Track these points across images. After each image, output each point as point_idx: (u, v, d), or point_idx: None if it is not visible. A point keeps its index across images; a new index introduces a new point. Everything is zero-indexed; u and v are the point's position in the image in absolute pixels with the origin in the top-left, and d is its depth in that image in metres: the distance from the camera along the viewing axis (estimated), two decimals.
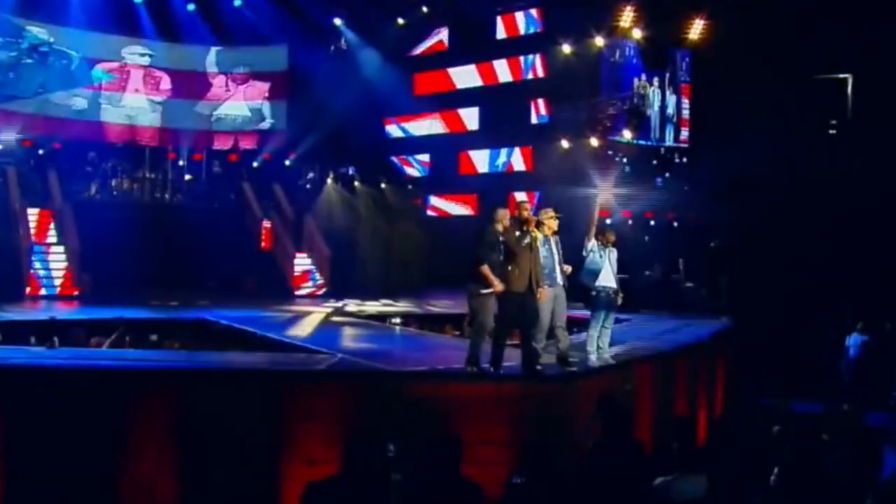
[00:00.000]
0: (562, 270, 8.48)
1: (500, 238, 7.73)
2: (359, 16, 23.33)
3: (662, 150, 21.69)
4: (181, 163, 22.41)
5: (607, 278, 8.90)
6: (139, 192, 20.13)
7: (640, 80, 20.48)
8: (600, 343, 8.91)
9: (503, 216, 7.84)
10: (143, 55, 22.29)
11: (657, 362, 9.66)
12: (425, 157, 25.21)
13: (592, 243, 8.95)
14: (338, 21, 23.26)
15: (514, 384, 7.73)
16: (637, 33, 19.35)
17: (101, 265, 16.12)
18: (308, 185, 22.68)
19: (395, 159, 25.25)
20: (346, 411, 7.21)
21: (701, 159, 20.74)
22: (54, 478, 6.75)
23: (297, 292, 18.18)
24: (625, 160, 21.16)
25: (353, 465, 4.88)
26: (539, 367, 8.21)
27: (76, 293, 15.72)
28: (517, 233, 7.94)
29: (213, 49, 23.17)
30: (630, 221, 20.90)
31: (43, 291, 15.50)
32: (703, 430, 11.34)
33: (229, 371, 7.48)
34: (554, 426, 7.58)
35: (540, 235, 8.36)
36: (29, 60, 20.79)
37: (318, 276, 18.73)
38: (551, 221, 8.51)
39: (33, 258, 15.77)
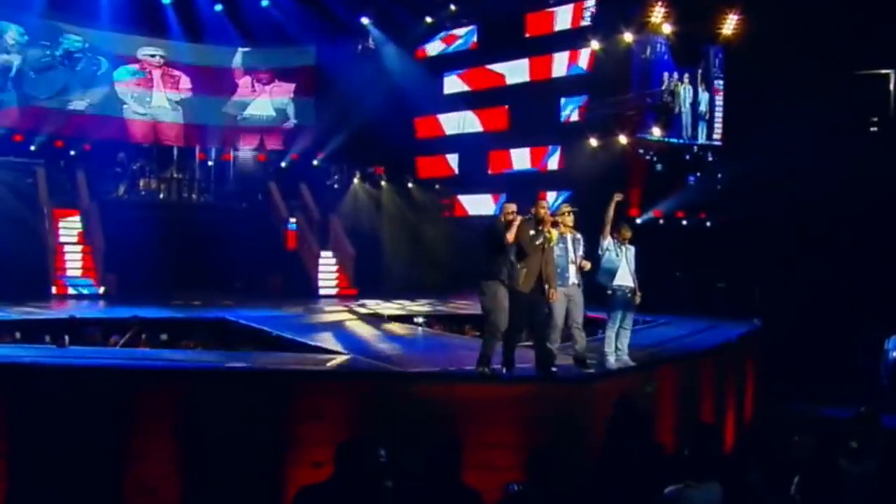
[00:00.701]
0: (577, 269, 8.23)
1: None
2: (386, 15, 23.21)
3: (695, 148, 21.24)
4: (210, 163, 22.52)
5: (624, 277, 8.62)
6: (167, 193, 20.18)
7: (670, 76, 20.08)
8: (619, 344, 8.62)
9: (507, 209, 7.61)
10: (154, 55, 22.31)
11: (681, 365, 9.35)
12: (454, 157, 25.06)
13: (608, 241, 8.67)
14: (365, 20, 23.15)
15: (526, 386, 7.50)
16: (667, 28, 18.91)
17: (127, 265, 16.21)
18: (336, 185, 22.62)
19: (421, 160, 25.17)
20: (353, 413, 7.04)
21: (734, 158, 20.26)
22: (57, 477, 6.67)
23: (322, 292, 18.09)
24: (655, 158, 20.78)
25: (344, 470, 4.70)
26: (554, 369, 7.97)
27: (101, 292, 15.75)
28: (531, 232, 7.71)
29: (240, 49, 23.17)
30: (661, 221, 20.52)
31: (69, 290, 15.57)
32: (731, 436, 11.02)
33: (233, 371, 7.34)
34: (568, 430, 7.31)
35: (556, 234, 8.13)
36: (60, 66, 21.00)
37: (342, 275, 18.62)
38: (566, 218, 8.27)
39: (61, 257, 15.88)
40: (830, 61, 17.41)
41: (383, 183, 21.85)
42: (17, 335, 9.63)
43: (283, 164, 23.36)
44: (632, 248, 8.85)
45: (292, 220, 19.53)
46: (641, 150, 20.41)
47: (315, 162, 23.46)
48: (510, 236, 7.34)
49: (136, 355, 8.13)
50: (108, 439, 6.74)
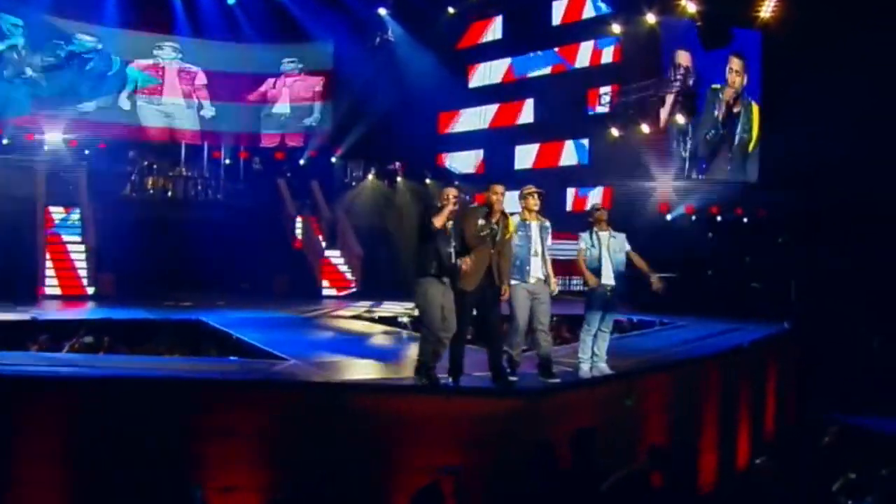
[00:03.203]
0: (543, 263, 7.16)
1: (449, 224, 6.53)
2: (406, 5, 22.37)
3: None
4: (227, 161, 22.01)
5: (605, 274, 7.51)
6: (174, 191, 19.64)
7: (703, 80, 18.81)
8: (596, 350, 7.53)
9: (447, 195, 6.63)
10: (174, 52, 21.92)
11: (673, 373, 8.21)
12: (474, 157, 24.27)
13: (583, 238, 7.59)
14: (382, 11, 22.32)
15: (473, 398, 6.48)
16: (692, 8, 17.65)
17: (127, 265, 15.66)
18: (354, 183, 21.88)
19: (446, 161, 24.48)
20: (272, 429, 6.13)
21: (773, 149, 19.00)
22: None
23: (326, 292, 17.28)
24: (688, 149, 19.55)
25: None
26: (514, 378, 6.97)
27: (90, 293, 15.21)
28: (480, 222, 6.72)
29: (258, 46, 22.57)
30: (693, 217, 19.29)
31: (54, 291, 15.06)
32: (745, 454, 9.85)
33: (133, 380, 6.47)
34: (524, 451, 6.26)
35: (516, 220, 7.13)
36: (67, 67, 20.75)
37: (348, 275, 17.79)
38: (529, 201, 7.20)
39: (48, 257, 15.41)
40: (878, 46, 16.00)
41: (399, 179, 20.96)
42: None
43: (301, 162, 22.76)
44: (618, 237, 7.67)
45: (299, 218, 18.77)
46: (675, 143, 19.20)
47: (333, 159, 22.81)
48: (438, 221, 6.35)
49: (37, 360, 7.35)
50: None
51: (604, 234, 7.55)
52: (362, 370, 7.48)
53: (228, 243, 16.98)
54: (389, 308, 13.82)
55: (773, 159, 19.01)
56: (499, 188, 6.92)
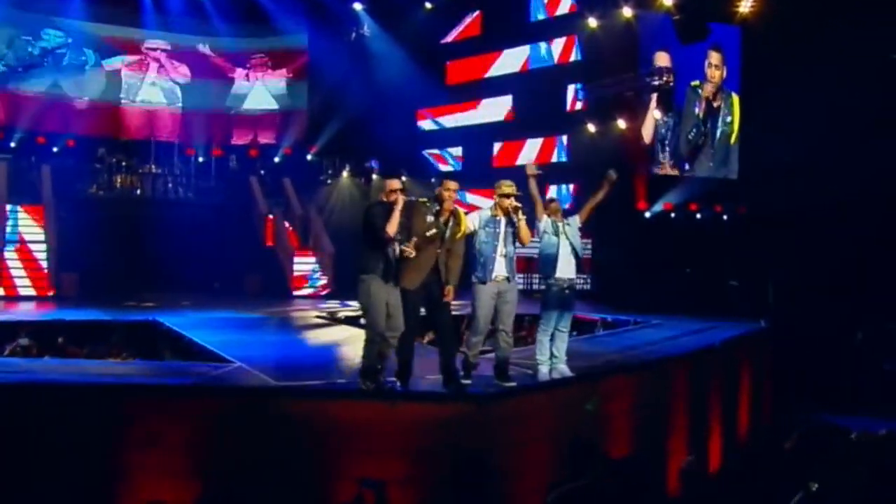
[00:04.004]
0: (510, 263, 6.78)
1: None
2: (381, 0, 21.99)
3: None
4: (200, 159, 21.59)
5: (563, 268, 7.15)
6: (143, 189, 19.20)
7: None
8: (555, 351, 7.16)
9: (391, 188, 6.29)
10: (158, 48, 21.55)
11: (639, 374, 7.86)
12: (458, 151, 23.88)
13: (544, 222, 7.25)
14: (358, 6, 21.89)
15: (421, 404, 6.11)
16: (670, 3, 17.29)
17: (93, 265, 15.31)
18: (329, 181, 21.50)
19: (428, 156, 24.02)
20: (202, 438, 5.74)
21: (753, 145, 18.73)
22: None
23: (296, 293, 16.89)
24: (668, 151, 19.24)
25: None
26: (468, 381, 6.61)
27: (50, 294, 14.78)
28: (429, 218, 6.37)
29: (231, 38, 22.16)
30: (672, 214, 19.01)
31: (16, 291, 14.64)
32: (717, 455, 9.54)
33: (53, 386, 6.06)
34: (476, 461, 5.89)
35: (486, 215, 6.79)
36: (42, 63, 20.33)
37: (320, 275, 17.39)
38: (504, 202, 6.83)
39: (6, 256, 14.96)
40: (861, 43, 15.75)
41: (374, 177, 20.60)
42: None
43: (276, 160, 22.35)
44: (572, 221, 7.36)
45: (269, 217, 18.37)
46: None
47: (308, 157, 22.40)
48: (391, 229, 6.02)
49: None
50: None
51: (560, 224, 7.23)
52: (309, 373, 7.08)
53: (199, 242, 16.65)
54: (355, 309, 13.43)
55: (753, 156, 18.73)
56: (451, 185, 6.59)
